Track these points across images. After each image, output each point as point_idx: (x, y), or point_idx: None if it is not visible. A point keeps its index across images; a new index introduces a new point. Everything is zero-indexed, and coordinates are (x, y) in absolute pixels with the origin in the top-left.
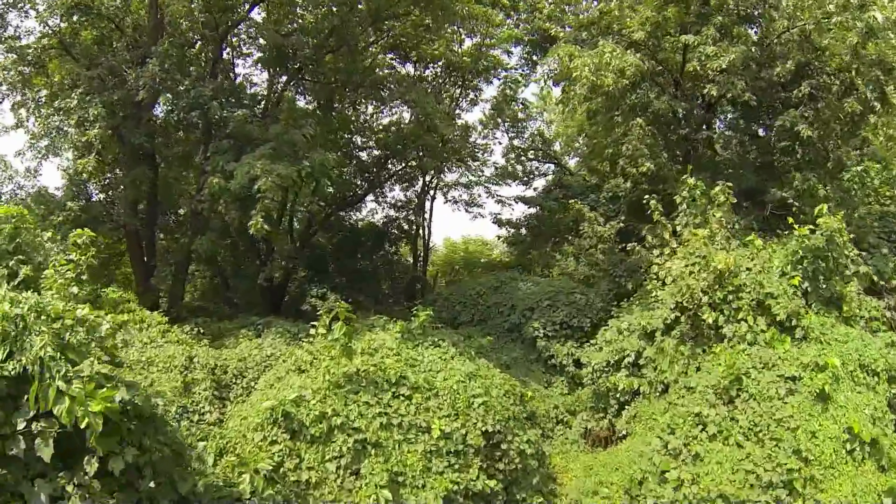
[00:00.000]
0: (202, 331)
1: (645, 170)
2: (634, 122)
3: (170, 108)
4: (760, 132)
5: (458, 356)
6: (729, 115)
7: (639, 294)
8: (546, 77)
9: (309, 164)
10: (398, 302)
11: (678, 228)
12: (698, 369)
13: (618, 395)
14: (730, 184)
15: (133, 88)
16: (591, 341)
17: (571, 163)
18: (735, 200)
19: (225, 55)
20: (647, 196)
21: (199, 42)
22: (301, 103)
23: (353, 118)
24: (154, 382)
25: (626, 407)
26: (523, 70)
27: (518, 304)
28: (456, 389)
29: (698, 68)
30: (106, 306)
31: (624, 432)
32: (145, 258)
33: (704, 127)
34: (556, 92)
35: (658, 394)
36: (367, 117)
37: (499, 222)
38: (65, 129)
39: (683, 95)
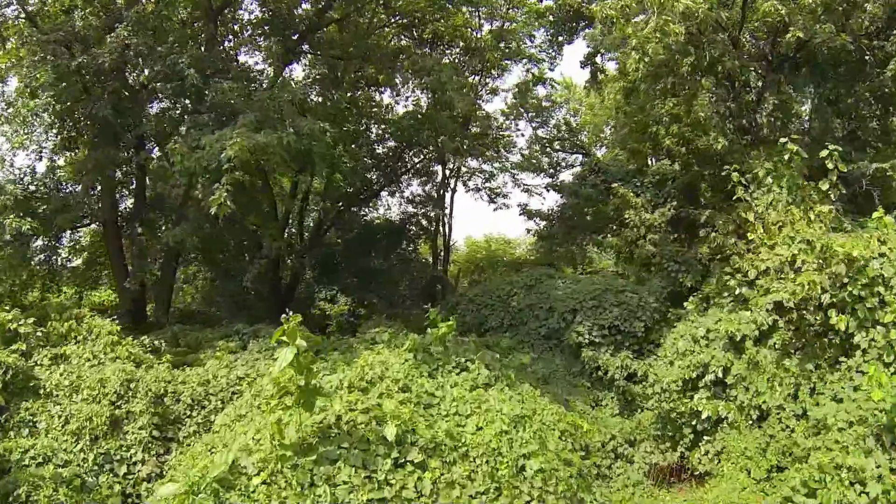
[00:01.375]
0: (178, 342)
1: (712, 141)
2: (699, 85)
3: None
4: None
5: (496, 385)
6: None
7: (708, 291)
8: (592, 51)
9: (294, 132)
10: (416, 304)
11: (759, 210)
12: (813, 390)
13: (694, 423)
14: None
15: (99, 55)
16: (649, 350)
17: (599, 153)
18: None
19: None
20: (705, 174)
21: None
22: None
23: (364, 107)
24: (70, 419)
25: (705, 437)
26: (550, 51)
27: (557, 305)
28: (497, 448)
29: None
30: (53, 312)
31: (701, 470)
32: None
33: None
34: (584, 75)
35: (752, 422)
36: (381, 109)
37: (527, 213)
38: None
39: (747, 54)
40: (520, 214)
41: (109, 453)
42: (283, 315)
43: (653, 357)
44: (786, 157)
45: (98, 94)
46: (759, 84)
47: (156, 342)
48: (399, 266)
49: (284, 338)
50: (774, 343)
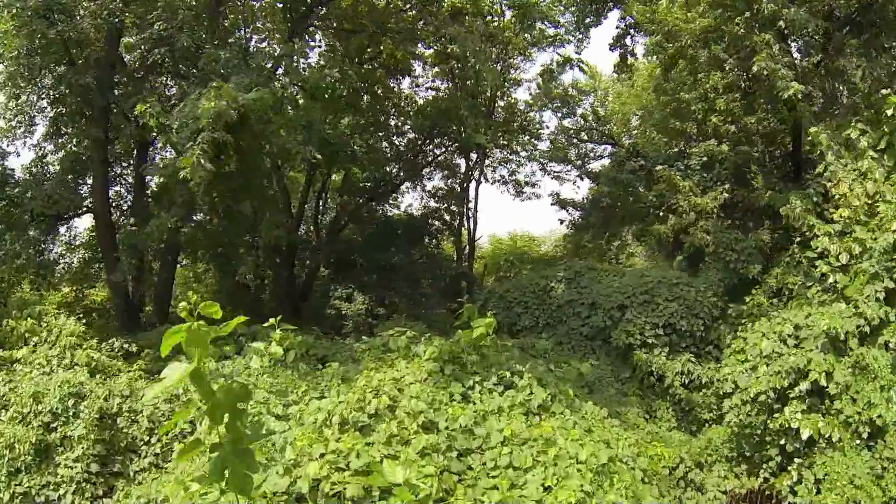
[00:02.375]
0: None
1: (792, 94)
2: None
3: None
4: None
5: (555, 409)
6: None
7: (782, 282)
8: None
9: (282, 86)
10: (439, 303)
11: (849, 183)
12: None
13: (783, 442)
14: None
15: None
16: (707, 351)
17: (627, 143)
18: None
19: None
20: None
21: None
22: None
23: (381, 95)
24: None
25: (796, 460)
26: (576, 34)
27: (602, 301)
28: None
29: None
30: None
31: (793, 500)
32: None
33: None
34: (610, 65)
35: (861, 442)
36: (400, 100)
37: (560, 203)
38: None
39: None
40: (552, 204)
41: (30, 494)
42: None
43: (713, 359)
44: (889, 111)
45: (83, 66)
46: (822, 43)
47: (133, 346)
48: (421, 263)
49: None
50: (888, 342)
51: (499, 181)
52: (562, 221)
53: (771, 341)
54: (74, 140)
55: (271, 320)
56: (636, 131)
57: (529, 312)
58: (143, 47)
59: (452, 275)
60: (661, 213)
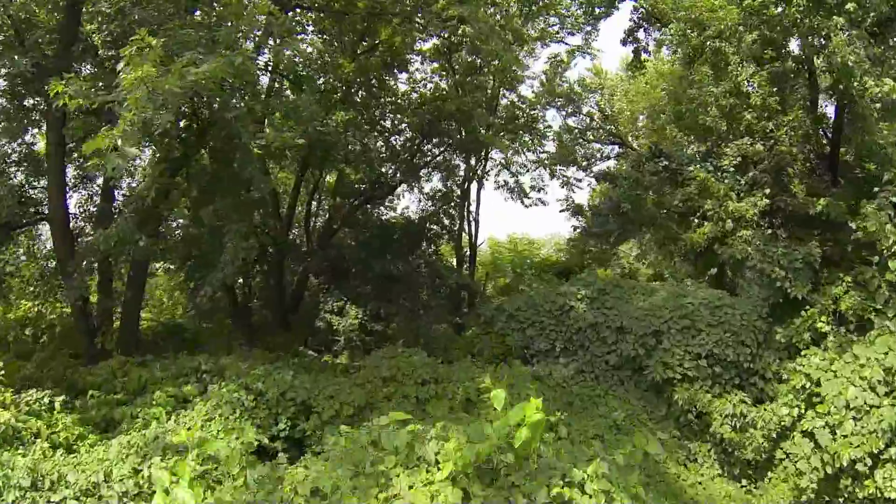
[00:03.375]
0: (115, 385)
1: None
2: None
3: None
4: None
5: None
6: None
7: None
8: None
9: (241, 58)
10: (439, 316)
11: None
12: None
13: None
14: None
15: None
16: (752, 383)
17: (633, 144)
18: None
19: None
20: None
21: None
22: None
23: (376, 88)
24: None
25: None
26: (585, 26)
27: (632, 325)
28: None
29: None
30: None
31: None
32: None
33: None
34: (616, 63)
35: None
36: (397, 97)
37: (576, 209)
38: None
39: None
40: (562, 210)
41: None
42: None
43: (757, 391)
44: None
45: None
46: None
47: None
48: (419, 271)
49: None
50: None
51: (502, 186)
52: (575, 228)
53: (858, 389)
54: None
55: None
56: (645, 130)
57: (545, 335)
58: (98, 22)
59: (453, 285)
60: (691, 220)
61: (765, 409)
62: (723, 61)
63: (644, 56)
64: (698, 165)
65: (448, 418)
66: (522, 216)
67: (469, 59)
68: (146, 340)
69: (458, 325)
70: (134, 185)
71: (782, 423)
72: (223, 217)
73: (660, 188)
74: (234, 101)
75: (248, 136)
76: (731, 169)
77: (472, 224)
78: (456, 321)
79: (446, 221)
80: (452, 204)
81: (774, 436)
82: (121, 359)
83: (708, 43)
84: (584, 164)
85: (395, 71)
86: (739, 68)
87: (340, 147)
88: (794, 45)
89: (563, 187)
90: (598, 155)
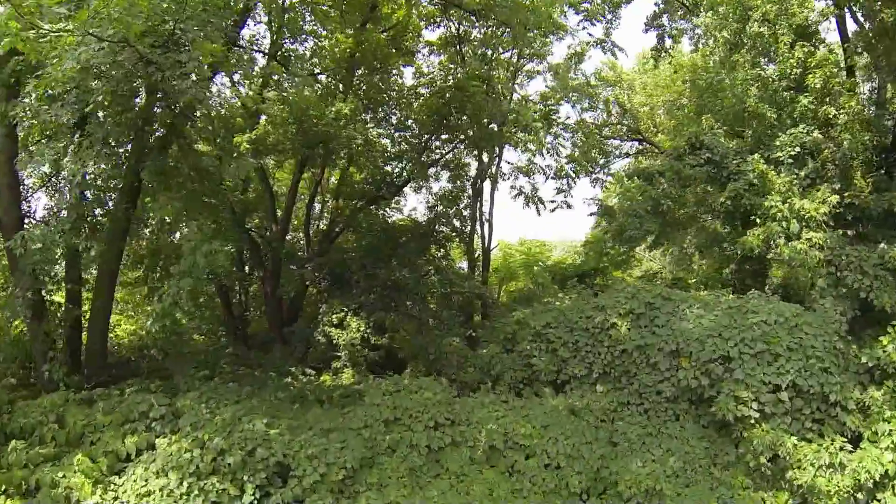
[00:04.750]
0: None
1: None
2: None
3: None
4: None
5: None
6: None
7: None
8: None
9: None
10: (450, 328)
11: None
12: None
13: None
14: None
15: None
16: (833, 417)
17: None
18: None
19: None
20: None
21: None
22: None
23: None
24: None
25: None
26: (604, 14)
27: (691, 347)
28: None
29: None
30: None
31: None
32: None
33: None
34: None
35: None
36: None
37: (607, 210)
38: None
39: None
40: (591, 215)
41: None
42: None
43: (836, 423)
44: None
45: None
46: None
47: None
48: (427, 278)
49: None
50: None
51: (520, 194)
52: (606, 232)
53: None
54: None
55: None
56: (665, 126)
57: (580, 357)
58: None
59: (465, 294)
60: (737, 221)
61: (864, 453)
62: (771, 41)
63: (668, 42)
64: (755, 157)
65: (468, 475)
66: (532, 218)
67: (480, 51)
68: (120, 357)
69: (471, 339)
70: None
71: (884, 470)
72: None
73: (703, 184)
74: (184, 58)
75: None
76: (790, 160)
77: (486, 226)
78: (470, 333)
79: (457, 223)
80: (463, 204)
81: (870, 484)
82: (64, 394)
83: (752, 25)
84: (603, 161)
85: (402, 66)
86: (792, 50)
87: (341, 142)
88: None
89: (593, 186)
90: (617, 152)
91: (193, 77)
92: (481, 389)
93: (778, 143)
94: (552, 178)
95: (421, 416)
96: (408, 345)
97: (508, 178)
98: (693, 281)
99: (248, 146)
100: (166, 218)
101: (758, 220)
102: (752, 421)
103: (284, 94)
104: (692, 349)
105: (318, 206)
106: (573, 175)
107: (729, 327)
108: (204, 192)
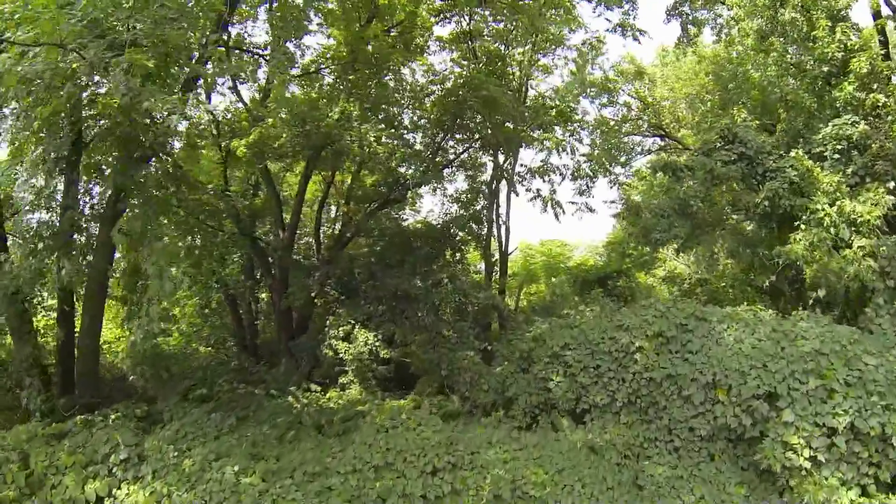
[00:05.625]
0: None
1: None
2: None
3: None
4: None
5: None
6: None
7: None
8: None
9: None
10: (464, 341)
11: None
12: None
13: None
14: None
15: None
16: None
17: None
18: None
19: None
20: None
21: None
22: None
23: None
24: None
25: None
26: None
27: (731, 379)
28: None
29: None
30: None
31: None
32: None
33: None
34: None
35: None
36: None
37: (632, 210)
38: None
39: None
40: (613, 216)
41: None
42: None
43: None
44: None
45: None
46: None
47: None
48: (441, 287)
49: None
50: None
51: (536, 198)
52: (630, 234)
53: None
54: None
55: None
56: (685, 121)
57: (602, 384)
58: None
59: (480, 305)
60: (772, 224)
61: None
62: (806, 27)
63: (692, 29)
64: (797, 152)
65: None
66: (552, 219)
67: (493, 46)
68: (116, 374)
69: (487, 353)
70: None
71: None
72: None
73: (737, 182)
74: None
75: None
76: (835, 156)
77: (502, 228)
78: (485, 347)
79: (473, 226)
80: (480, 206)
81: None
82: (36, 425)
83: (786, 12)
84: (624, 159)
85: (411, 63)
86: (831, 34)
87: (344, 144)
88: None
89: (611, 187)
90: (638, 149)
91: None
92: (492, 417)
93: (819, 136)
94: (570, 178)
95: (417, 460)
96: (419, 359)
97: (525, 181)
98: (722, 285)
99: (244, 150)
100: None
101: (802, 226)
102: (803, 472)
103: (287, 96)
104: (731, 381)
105: (334, 211)
106: (591, 175)
107: (775, 357)
108: (181, 204)
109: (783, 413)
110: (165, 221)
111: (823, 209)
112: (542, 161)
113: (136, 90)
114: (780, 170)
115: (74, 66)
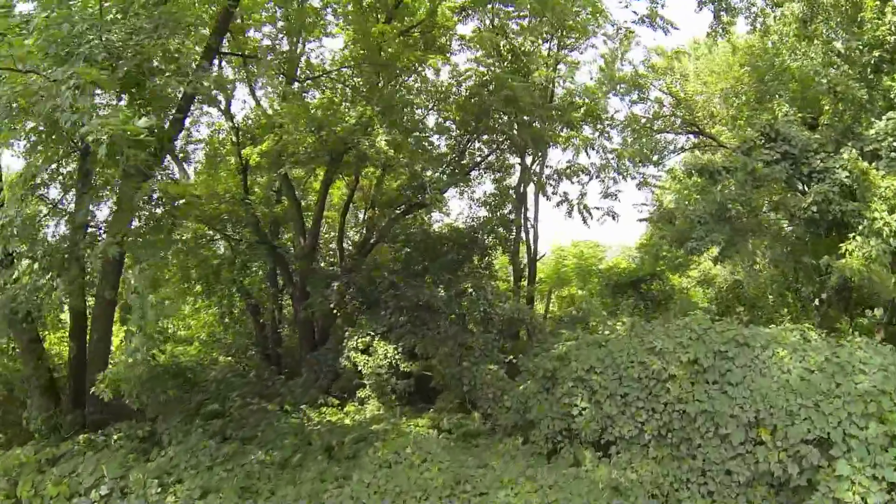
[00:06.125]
0: None
1: None
2: None
3: None
4: None
5: None
6: None
7: None
8: None
9: None
10: (488, 354)
11: None
12: None
13: None
14: None
15: None
16: None
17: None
18: None
19: None
20: None
21: None
22: None
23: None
24: None
25: None
26: None
27: (776, 419)
28: None
29: None
30: None
31: None
32: None
33: None
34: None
35: None
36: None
37: (666, 216)
38: None
39: None
40: (641, 220)
41: None
42: None
43: None
44: None
45: None
46: None
47: None
48: (465, 296)
49: None
50: None
51: (563, 202)
52: (662, 237)
53: None
54: None
55: None
56: (719, 117)
57: (629, 413)
58: None
59: (506, 317)
60: (821, 232)
61: None
62: (851, 10)
63: (724, 17)
64: (851, 152)
65: None
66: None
67: (519, 42)
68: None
69: (512, 366)
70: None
71: None
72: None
73: (781, 184)
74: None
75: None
76: (892, 154)
77: (531, 233)
78: (510, 360)
79: (501, 230)
80: (507, 210)
81: None
82: (27, 450)
83: None
84: (656, 158)
85: (439, 63)
86: (881, 16)
87: (363, 148)
88: None
89: (639, 188)
90: (671, 147)
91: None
92: (512, 439)
93: (872, 131)
94: (597, 177)
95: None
96: (440, 373)
97: (553, 184)
98: (762, 293)
99: (257, 158)
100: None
101: (857, 236)
102: None
103: (297, 103)
104: (777, 421)
105: (360, 217)
106: (622, 174)
107: (829, 395)
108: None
109: (837, 463)
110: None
111: (881, 217)
112: (568, 162)
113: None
114: (829, 170)
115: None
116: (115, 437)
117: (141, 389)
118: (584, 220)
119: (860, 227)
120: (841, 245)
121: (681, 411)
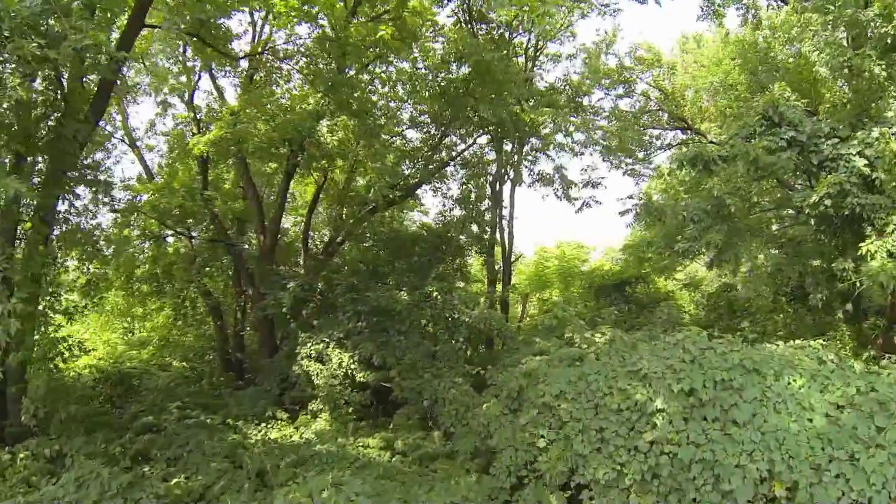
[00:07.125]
0: None
1: None
2: None
3: None
4: None
5: None
6: None
7: None
8: None
9: None
10: (454, 365)
11: None
12: None
13: None
14: None
15: None
16: None
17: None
18: None
19: None
20: None
21: None
22: None
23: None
24: None
25: None
26: None
27: (794, 473)
28: None
29: None
30: None
31: None
32: None
33: None
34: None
35: None
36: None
37: (654, 211)
38: None
39: None
40: (622, 213)
41: None
42: None
43: None
44: None
45: None
46: None
47: None
48: (430, 300)
49: None
50: None
51: (539, 180)
52: (650, 244)
53: None
54: None
55: None
56: (708, 113)
57: (606, 453)
58: None
59: (474, 325)
60: (836, 230)
61: None
62: None
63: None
64: (883, 129)
65: None
66: (564, 219)
67: (497, 30)
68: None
69: (479, 379)
70: None
71: None
72: None
73: (787, 172)
74: None
75: None
76: None
77: (506, 232)
78: (479, 371)
79: (474, 228)
80: (483, 207)
81: None
82: None
83: None
84: (642, 154)
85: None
86: None
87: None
88: None
89: (625, 175)
90: (658, 143)
91: None
92: (473, 465)
93: (891, 113)
94: (580, 155)
95: None
96: (399, 385)
97: (529, 164)
98: (754, 298)
99: (203, 148)
100: None
101: (888, 234)
102: None
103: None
104: (798, 477)
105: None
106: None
107: (867, 444)
108: None
109: None
110: None
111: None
112: (546, 135)
113: None
114: (843, 158)
115: None
116: (21, 455)
117: (40, 405)
118: (567, 198)
119: (882, 224)
120: (861, 246)
121: (670, 454)
